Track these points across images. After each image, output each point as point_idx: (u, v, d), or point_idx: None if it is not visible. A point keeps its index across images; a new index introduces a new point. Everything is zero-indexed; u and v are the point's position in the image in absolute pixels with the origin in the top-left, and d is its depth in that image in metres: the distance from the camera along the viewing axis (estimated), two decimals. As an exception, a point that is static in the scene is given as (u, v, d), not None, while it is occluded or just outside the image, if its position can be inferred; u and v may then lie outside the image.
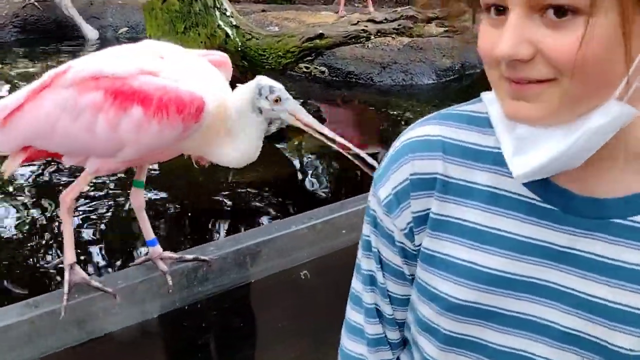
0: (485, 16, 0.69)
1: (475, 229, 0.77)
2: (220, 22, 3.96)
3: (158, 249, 1.87)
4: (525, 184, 0.75)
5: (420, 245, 0.82)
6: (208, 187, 3.15)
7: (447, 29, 3.72)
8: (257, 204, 3.13)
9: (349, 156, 1.74)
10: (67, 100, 1.65)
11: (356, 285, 0.91)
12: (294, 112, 1.71)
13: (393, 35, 4.22)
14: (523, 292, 0.75)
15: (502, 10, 0.66)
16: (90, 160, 1.72)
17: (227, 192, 3.21)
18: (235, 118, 1.70)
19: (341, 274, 1.12)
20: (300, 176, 3.53)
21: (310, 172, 3.54)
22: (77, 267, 1.73)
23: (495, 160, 0.78)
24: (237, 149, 1.73)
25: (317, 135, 1.75)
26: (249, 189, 3.24)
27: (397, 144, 0.84)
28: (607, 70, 0.64)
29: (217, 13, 3.96)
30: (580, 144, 0.67)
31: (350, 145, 1.73)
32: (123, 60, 1.69)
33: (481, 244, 0.77)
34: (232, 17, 4.02)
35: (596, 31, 0.62)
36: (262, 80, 1.72)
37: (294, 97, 1.81)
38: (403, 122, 4.47)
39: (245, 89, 1.71)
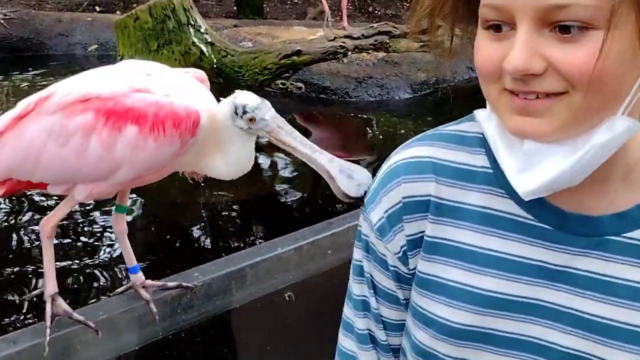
0: (483, 31, 0.68)
1: (470, 250, 0.77)
2: (195, 39, 3.92)
3: (140, 276, 1.82)
4: (519, 204, 0.74)
5: (414, 269, 0.81)
6: (189, 210, 3.12)
7: (423, 43, 3.75)
8: (241, 224, 3.09)
9: (327, 180, 1.66)
10: (53, 126, 1.58)
11: (347, 311, 0.90)
12: (271, 131, 1.65)
13: (370, 51, 4.24)
14: (521, 313, 0.75)
15: (500, 27, 0.66)
16: (79, 187, 1.65)
17: (209, 213, 3.17)
18: (223, 131, 1.66)
19: (327, 295, 1.09)
20: (284, 195, 3.49)
21: (293, 190, 3.50)
22: (60, 299, 1.67)
23: (486, 180, 0.77)
24: (228, 161, 1.69)
25: (298, 156, 1.68)
26: (231, 209, 3.20)
27: (386, 167, 0.83)
28: (620, 84, 0.64)
29: (192, 30, 3.93)
30: (587, 158, 0.67)
31: (336, 160, 1.64)
32: (110, 80, 1.64)
33: (477, 266, 0.76)
34: (206, 33, 3.98)
35: (612, 44, 0.62)
36: (238, 98, 1.66)
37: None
38: (381, 137, 4.47)
39: (225, 105, 1.66)
